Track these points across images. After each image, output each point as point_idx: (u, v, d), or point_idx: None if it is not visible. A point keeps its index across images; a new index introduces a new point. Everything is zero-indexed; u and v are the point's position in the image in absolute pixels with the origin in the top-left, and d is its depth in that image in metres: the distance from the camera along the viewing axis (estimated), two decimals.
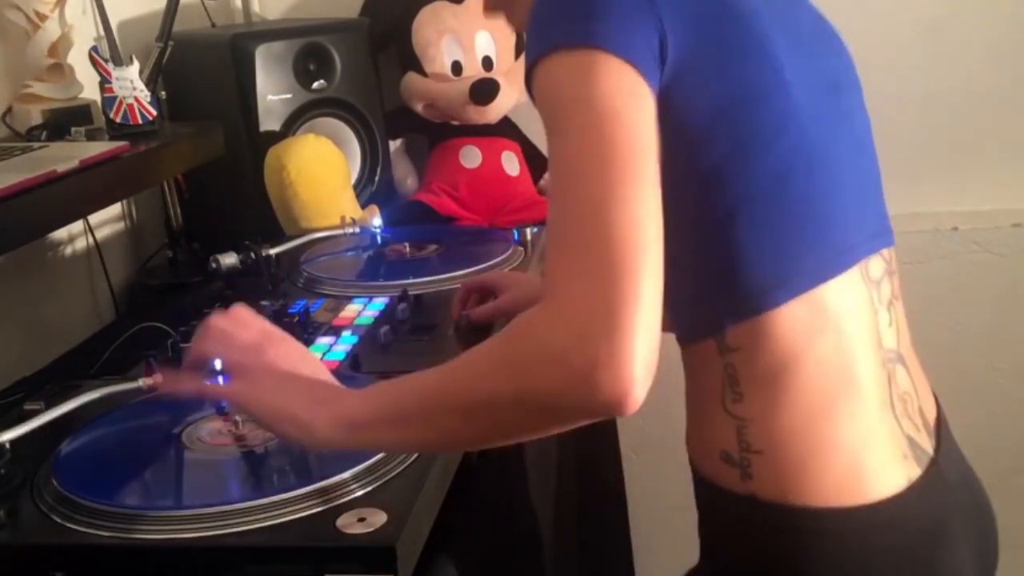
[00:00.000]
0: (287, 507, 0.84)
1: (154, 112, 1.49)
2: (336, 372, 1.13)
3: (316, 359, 0.91)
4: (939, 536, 0.85)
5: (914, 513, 0.84)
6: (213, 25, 1.92)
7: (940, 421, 0.93)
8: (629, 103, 0.75)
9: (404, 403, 0.80)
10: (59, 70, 1.48)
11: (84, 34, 1.53)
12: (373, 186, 1.83)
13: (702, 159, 0.81)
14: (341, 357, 1.17)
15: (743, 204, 0.82)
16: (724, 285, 0.84)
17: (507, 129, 1.93)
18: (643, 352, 0.68)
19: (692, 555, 0.96)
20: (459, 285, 1.30)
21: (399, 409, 0.80)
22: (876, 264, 0.88)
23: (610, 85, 0.74)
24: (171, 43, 1.56)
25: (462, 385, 0.76)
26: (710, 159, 0.81)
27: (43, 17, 1.43)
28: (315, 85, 1.73)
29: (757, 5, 0.84)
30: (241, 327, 0.90)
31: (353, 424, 0.81)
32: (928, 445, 0.88)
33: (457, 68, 1.87)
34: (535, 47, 0.79)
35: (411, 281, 1.37)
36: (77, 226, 1.56)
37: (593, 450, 1.75)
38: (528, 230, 1.54)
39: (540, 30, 0.79)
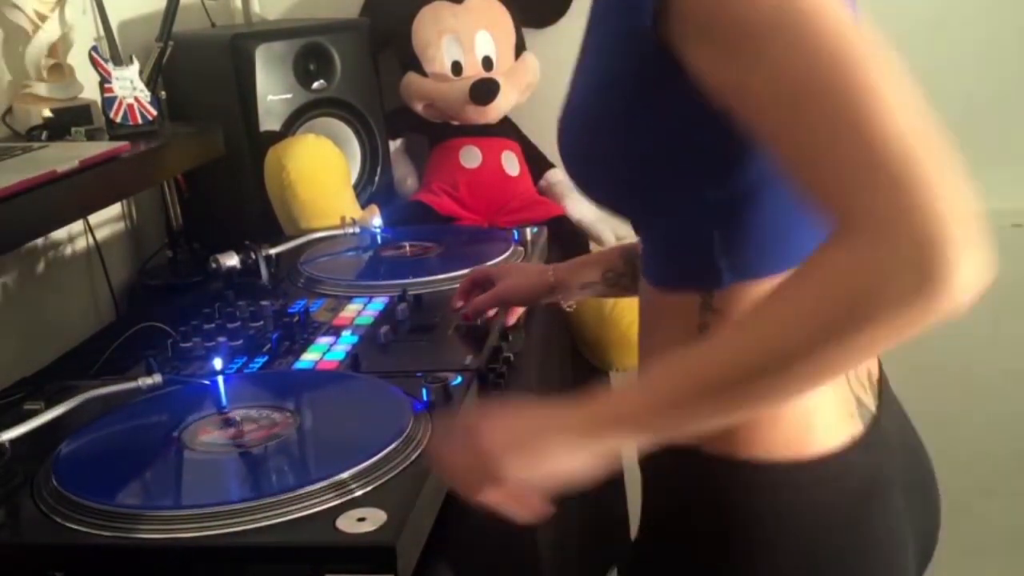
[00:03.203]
0: (286, 507, 0.84)
1: (154, 112, 1.49)
2: (336, 372, 1.14)
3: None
4: (877, 493, 0.85)
5: (853, 469, 0.84)
6: (213, 25, 1.92)
7: (882, 380, 0.92)
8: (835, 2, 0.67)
9: (700, 382, 0.71)
10: (59, 70, 1.48)
11: (84, 34, 1.54)
12: (373, 186, 1.83)
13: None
14: (341, 357, 1.17)
15: (769, 176, 0.78)
16: (735, 243, 0.80)
17: (507, 129, 1.93)
18: (974, 232, 0.66)
19: None
20: (459, 285, 1.30)
21: (695, 391, 0.72)
22: None
23: None
24: (171, 43, 1.56)
25: (785, 343, 0.68)
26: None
27: (43, 17, 1.43)
28: (315, 85, 1.74)
29: None
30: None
31: (655, 409, 0.73)
32: (872, 404, 0.88)
33: (457, 68, 1.87)
34: None
35: (411, 281, 1.37)
36: (77, 226, 1.56)
37: None
38: (528, 230, 1.54)
39: None
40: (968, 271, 0.65)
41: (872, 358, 0.71)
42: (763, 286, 0.80)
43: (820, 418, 0.82)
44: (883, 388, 0.91)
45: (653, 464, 0.88)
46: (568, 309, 1.25)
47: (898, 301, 0.64)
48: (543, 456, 0.76)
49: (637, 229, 0.90)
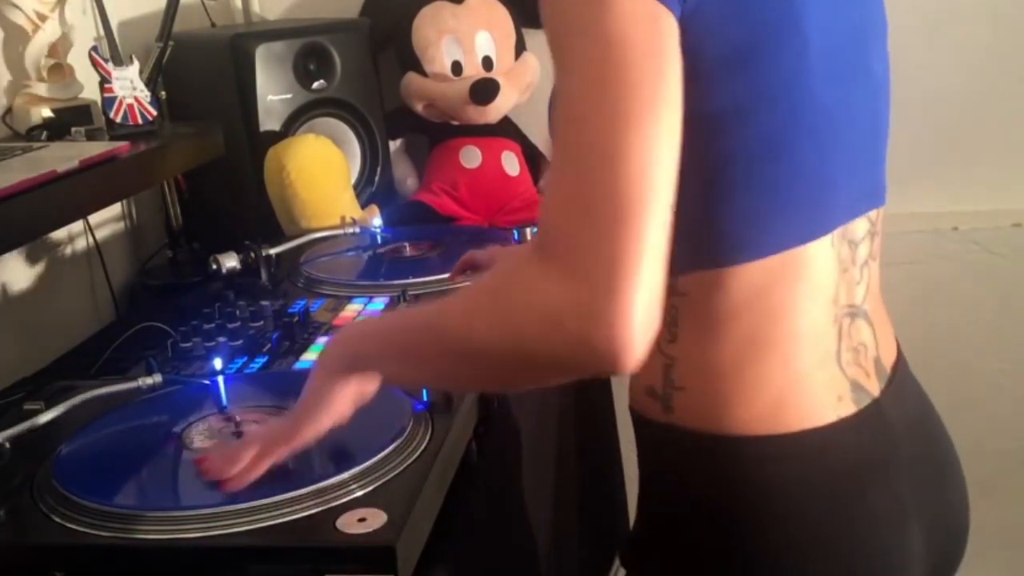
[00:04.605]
0: (287, 507, 0.84)
1: (154, 112, 1.49)
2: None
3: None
4: (869, 473, 0.85)
5: (840, 446, 0.84)
6: (213, 25, 1.92)
7: (897, 368, 0.92)
8: (644, 29, 0.68)
9: (399, 340, 0.82)
10: (59, 70, 1.48)
11: (84, 34, 1.54)
12: (373, 186, 1.83)
13: (702, 104, 0.75)
14: None
15: (732, 162, 0.78)
16: (691, 233, 0.77)
17: (507, 129, 1.93)
18: (643, 311, 0.65)
19: None
20: (460, 285, 1.30)
21: (395, 345, 0.82)
22: (860, 225, 0.87)
23: (623, 9, 0.68)
24: (171, 43, 1.56)
25: (456, 332, 0.75)
26: (710, 106, 0.76)
27: (43, 17, 1.43)
28: (315, 85, 1.73)
29: None
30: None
31: (356, 355, 0.84)
32: (875, 389, 0.88)
33: (457, 68, 1.87)
34: None
35: (411, 281, 1.37)
36: (77, 226, 1.56)
37: (593, 451, 1.75)
38: (528, 230, 1.53)
39: None
40: (632, 343, 0.66)
41: (535, 383, 0.77)
42: (728, 272, 0.81)
43: (796, 398, 0.83)
44: (895, 375, 0.91)
45: (637, 437, 0.92)
46: None
47: (565, 338, 0.67)
48: (324, 407, 0.85)
49: None
